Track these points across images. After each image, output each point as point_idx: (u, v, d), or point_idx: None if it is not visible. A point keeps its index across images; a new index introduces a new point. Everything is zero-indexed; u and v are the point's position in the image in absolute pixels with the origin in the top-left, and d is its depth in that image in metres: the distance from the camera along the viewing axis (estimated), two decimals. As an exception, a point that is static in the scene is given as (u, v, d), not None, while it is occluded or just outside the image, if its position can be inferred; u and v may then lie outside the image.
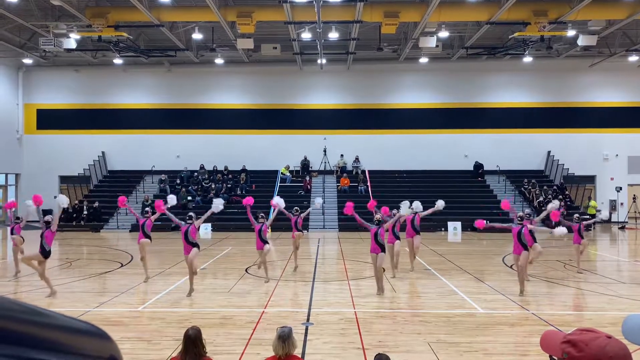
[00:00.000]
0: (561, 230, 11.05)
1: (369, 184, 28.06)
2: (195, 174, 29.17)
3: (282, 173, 29.13)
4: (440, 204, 13.88)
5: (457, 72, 29.80)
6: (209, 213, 11.31)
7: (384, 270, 11.22)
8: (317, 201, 15.31)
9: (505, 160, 29.31)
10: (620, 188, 28.33)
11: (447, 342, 7.60)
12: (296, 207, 14.65)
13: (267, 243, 12.07)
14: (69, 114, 30.56)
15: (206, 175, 28.97)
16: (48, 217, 10.97)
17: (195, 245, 10.62)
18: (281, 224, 24.40)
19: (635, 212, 28.42)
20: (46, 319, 0.74)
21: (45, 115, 30.66)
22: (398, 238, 12.82)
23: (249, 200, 12.45)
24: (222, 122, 30.32)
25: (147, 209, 13.08)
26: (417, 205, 13.11)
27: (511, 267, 13.21)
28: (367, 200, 26.47)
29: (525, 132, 29.88)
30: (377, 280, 10.64)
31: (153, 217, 12.46)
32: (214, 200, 11.84)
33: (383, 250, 10.57)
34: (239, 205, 26.91)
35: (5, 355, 0.65)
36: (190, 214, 11.00)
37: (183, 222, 10.79)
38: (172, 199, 12.10)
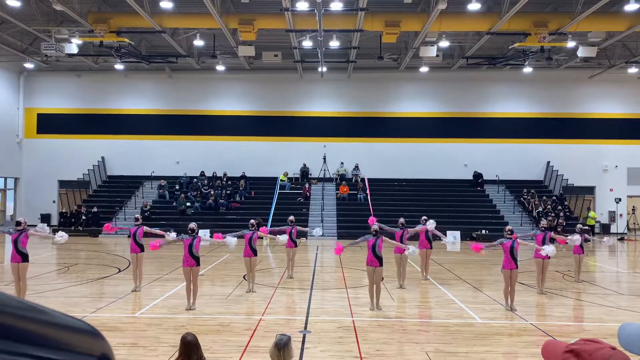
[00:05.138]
0: (550, 248, 11.23)
1: (368, 192, 28.05)
2: (195, 180, 29.17)
3: (281, 180, 29.14)
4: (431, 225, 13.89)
5: (457, 82, 29.90)
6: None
7: (383, 279, 11.18)
8: (316, 232, 15.34)
9: (504, 170, 29.34)
10: (620, 199, 28.34)
11: (445, 351, 7.57)
12: (291, 218, 14.22)
13: (256, 253, 11.91)
14: (69, 118, 30.60)
15: (205, 182, 28.98)
16: (21, 219, 10.74)
17: (198, 259, 10.21)
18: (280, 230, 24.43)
19: (634, 223, 28.43)
20: (40, 315, 0.73)
21: (46, 119, 30.70)
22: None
23: (264, 231, 12.21)
24: (222, 128, 30.38)
25: (137, 215, 12.79)
26: (432, 222, 13.60)
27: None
28: (367, 208, 26.62)
29: (525, 142, 29.94)
30: (376, 295, 10.21)
31: (146, 228, 12.19)
32: (230, 241, 11.13)
33: (381, 263, 10.15)
34: (238, 212, 26.96)
35: None
36: (192, 225, 10.47)
37: (186, 235, 10.28)
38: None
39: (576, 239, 12.72)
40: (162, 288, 12.06)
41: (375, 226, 10.56)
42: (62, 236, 10.71)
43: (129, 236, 12.15)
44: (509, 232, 10.55)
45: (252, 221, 12.30)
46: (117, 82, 30.47)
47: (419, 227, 13.75)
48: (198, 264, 10.22)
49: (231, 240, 11.01)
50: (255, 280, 12.85)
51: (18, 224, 10.69)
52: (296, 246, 13.92)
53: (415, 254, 10.85)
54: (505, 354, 7.65)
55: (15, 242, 10.36)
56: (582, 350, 1.14)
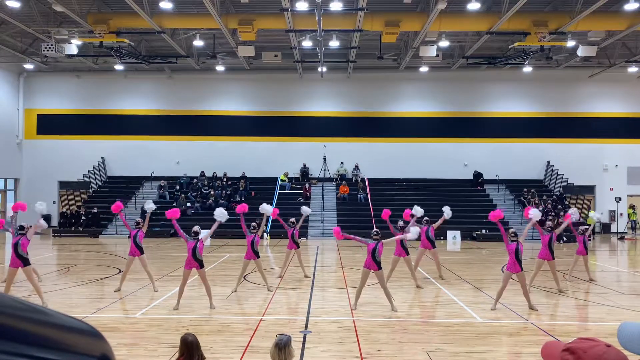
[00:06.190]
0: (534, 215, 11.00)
1: (368, 192, 28.06)
2: (195, 180, 29.18)
3: (281, 180, 29.14)
4: (447, 211, 13.79)
5: (457, 82, 29.90)
6: (215, 226, 10.56)
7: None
8: (305, 210, 15.18)
9: (504, 169, 29.34)
10: (620, 198, 28.34)
11: (446, 351, 7.56)
12: (292, 219, 14.22)
13: (258, 255, 11.96)
14: (69, 119, 30.61)
15: (206, 182, 28.98)
16: (24, 223, 10.74)
17: (201, 262, 10.21)
18: (280, 231, 24.41)
19: (635, 222, 28.43)
20: (40, 315, 0.73)
21: (46, 120, 30.71)
22: (407, 252, 12.55)
23: (243, 208, 12.18)
24: (222, 128, 30.39)
25: (138, 219, 12.79)
26: (417, 209, 13.11)
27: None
28: (367, 208, 26.64)
29: (525, 142, 29.94)
30: (387, 298, 10.22)
31: (145, 228, 12.21)
32: (216, 210, 10.97)
33: (380, 267, 10.09)
34: (238, 213, 26.94)
35: None
36: (195, 229, 10.44)
37: (189, 237, 10.27)
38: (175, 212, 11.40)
39: (573, 212, 12.99)
40: (163, 289, 12.07)
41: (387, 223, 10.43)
42: (41, 205, 10.79)
43: (129, 237, 12.19)
44: (512, 235, 10.41)
45: (253, 224, 12.30)
46: (116, 82, 30.48)
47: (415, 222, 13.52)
48: (202, 266, 10.23)
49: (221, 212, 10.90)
50: (255, 281, 12.88)
51: (21, 228, 10.63)
52: (298, 247, 13.95)
53: (415, 234, 10.48)
54: (506, 354, 7.65)
55: (15, 246, 10.34)
56: (577, 348, 1.15)
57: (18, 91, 30.50)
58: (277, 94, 30.51)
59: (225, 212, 11.01)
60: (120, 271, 14.68)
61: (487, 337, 8.36)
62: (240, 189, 28.47)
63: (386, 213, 12.77)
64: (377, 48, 24.01)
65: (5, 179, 29.85)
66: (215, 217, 10.78)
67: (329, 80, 29.90)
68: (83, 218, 26.16)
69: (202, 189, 28.40)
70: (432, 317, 9.92)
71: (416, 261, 13.61)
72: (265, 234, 24.34)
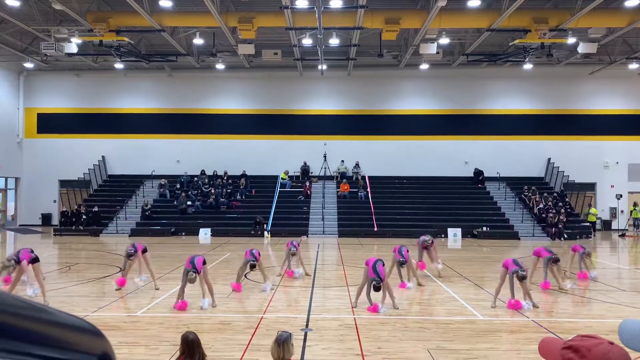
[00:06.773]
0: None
1: (369, 189, 28.07)
2: (195, 178, 29.19)
3: (281, 178, 29.14)
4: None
5: (457, 79, 29.88)
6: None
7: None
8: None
9: (505, 167, 29.34)
10: (621, 195, 28.33)
11: (447, 348, 7.57)
12: (293, 249, 14.16)
13: (259, 254, 12.04)
14: (69, 118, 30.62)
15: (206, 180, 28.99)
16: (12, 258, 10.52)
17: (203, 260, 10.34)
18: (281, 229, 24.44)
19: (638, 220, 28.45)
20: (41, 314, 0.73)
21: (46, 119, 30.71)
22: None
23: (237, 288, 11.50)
24: (223, 127, 30.38)
25: (130, 252, 12.05)
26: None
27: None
28: (368, 206, 26.64)
29: (526, 139, 29.92)
30: (389, 295, 10.16)
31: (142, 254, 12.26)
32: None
33: (382, 264, 10.19)
34: (238, 211, 26.98)
35: None
36: (192, 277, 9.88)
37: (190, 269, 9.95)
38: None
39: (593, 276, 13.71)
40: (164, 287, 12.07)
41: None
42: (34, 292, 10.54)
43: (129, 235, 12.25)
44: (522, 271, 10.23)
45: (251, 264, 11.86)
46: (117, 81, 30.47)
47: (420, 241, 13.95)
48: (204, 263, 10.30)
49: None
50: (256, 279, 12.88)
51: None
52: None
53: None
54: (506, 351, 7.66)
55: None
56: (580, 346, 1.13)
57: (18, 90, 30.50)
58: (277, 92, 30.50)
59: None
60: (120, 270, 14.68)
61: (488, 335, 8.37)
62: (241, 187, 28.49)
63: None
64: (377, 46, 23.97)
65: (6, 178, 29.86)
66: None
67: (329, 78, 29.88)
68: (83, 217, 26.17)
69: (203, 188, 28.41)
70: (432, 315, 9.92)
71: (434, 260, 13.87)
72: (266, 232, 24.36)
